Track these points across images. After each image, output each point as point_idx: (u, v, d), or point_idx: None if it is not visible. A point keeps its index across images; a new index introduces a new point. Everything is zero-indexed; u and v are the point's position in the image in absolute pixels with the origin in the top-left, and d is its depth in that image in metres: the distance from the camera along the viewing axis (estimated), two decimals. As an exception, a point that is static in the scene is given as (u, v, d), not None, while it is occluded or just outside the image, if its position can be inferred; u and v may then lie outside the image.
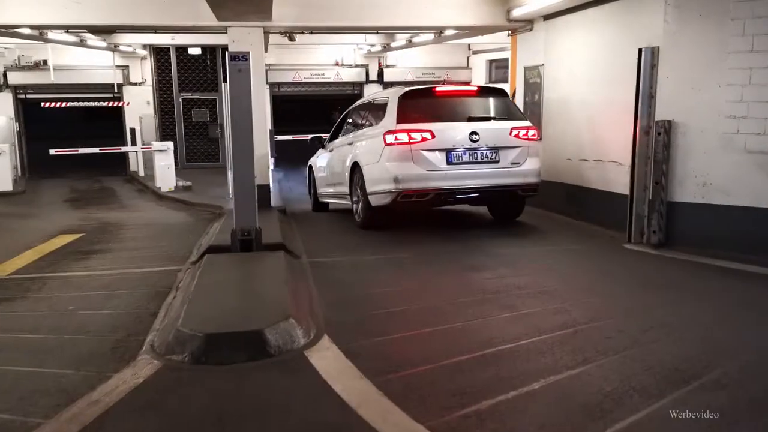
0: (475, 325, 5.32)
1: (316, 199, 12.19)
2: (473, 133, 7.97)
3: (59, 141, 18.67)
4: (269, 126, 20.61)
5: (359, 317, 5.58)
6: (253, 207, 7.94)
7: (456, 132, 8.07)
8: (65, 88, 18.87)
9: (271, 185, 14.37)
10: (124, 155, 19.85)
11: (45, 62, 18.73)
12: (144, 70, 19.96)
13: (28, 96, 19.09)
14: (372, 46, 19.49)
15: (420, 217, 11.02)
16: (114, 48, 17.25)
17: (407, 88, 8.78)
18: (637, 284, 6.72)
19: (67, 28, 11.60)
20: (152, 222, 12.06)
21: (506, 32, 12.86)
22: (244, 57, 7.83)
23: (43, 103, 17.60)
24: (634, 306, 5.89)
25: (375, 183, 8.45)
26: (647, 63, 8.41)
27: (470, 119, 8.25)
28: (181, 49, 20.14)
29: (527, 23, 11.76)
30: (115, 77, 18.78)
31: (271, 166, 19.63)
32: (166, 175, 16.77)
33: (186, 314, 5.15)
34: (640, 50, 8.36)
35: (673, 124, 8.10)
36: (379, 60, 21.50)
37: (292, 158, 19.83)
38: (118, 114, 19.86)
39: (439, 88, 8.68)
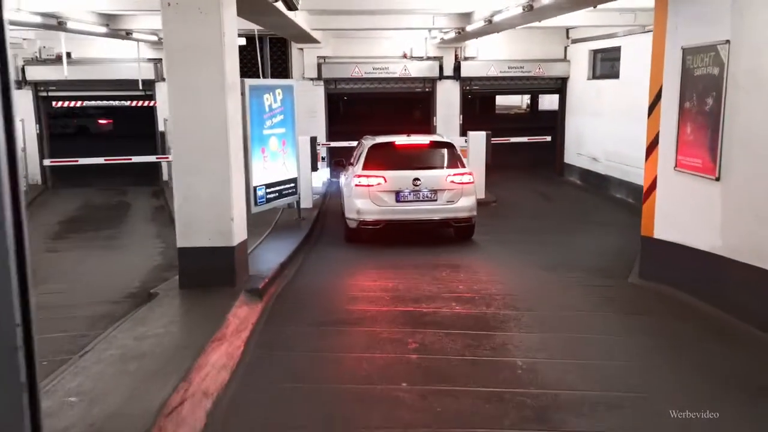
0: None
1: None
2: (416, 179, 8.70)
3: (92, 144, 14.12)
4: (320, 132, 15.31)
5: None
6: None
7: (403, 178, 8.74)
8: (88, 85, 14.24)
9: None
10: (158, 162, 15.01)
11: (69, 55, 14.13)
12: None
13: (50, 93, 14.57)
14: (445, 33, 13.64)
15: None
16: (126, 35, 12.31)
17: (377, 141, 9.47)
18: None
19: None
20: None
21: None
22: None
23: (54, 103, 12.96)
24: None
25: (348, 211, 9.13)
26: None
27: (416, 168, 8.85)
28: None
29: (696, -32, 5.68)
30: (140, 72, 13.88)
31: (325, 179, 14.42)
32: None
33: None
34: None
35: None
36: (456, 51, 15.59)
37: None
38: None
39: (398, 142, 9.35)
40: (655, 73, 6.56)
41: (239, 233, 6.07)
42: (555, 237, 9.76)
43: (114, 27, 11.69)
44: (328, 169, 14.73)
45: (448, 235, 9.78)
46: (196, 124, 5.70)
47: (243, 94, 9.75)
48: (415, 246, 9.26)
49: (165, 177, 14.86)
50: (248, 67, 15.22)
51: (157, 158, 12.78)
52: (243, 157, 6.31)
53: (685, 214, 6.03)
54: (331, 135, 15.75)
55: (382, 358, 4.60)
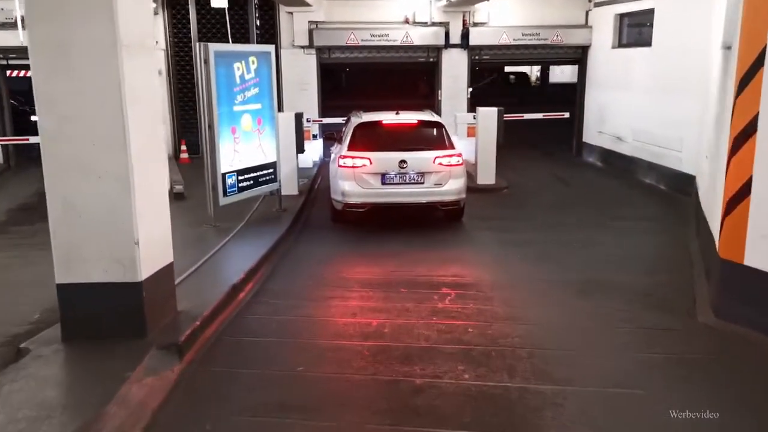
0: None
1: None
2: (402, 161, 8.02)
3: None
4: (312, 107, 13.12)
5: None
6: None
7: (389, 160, 8.10)
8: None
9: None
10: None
11: (30, 19, 11.92)
12: (155, 30, 12.80)
13: (10, 62, 12.40)
14: (452, -8, 11.34)
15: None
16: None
17: (363, 120, 8.61)
18: None
19: None
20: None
21: None
22: None
23: (9, 72, 10.85)
24: None
25: (333, 193, 8.50)
26: None
27: (403, 149, 8.15)
28: (203, 2, 12.81)
29: None
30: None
31: (317, 158, 12.38)
32: (148, 176, 9.65)
33: None
34: None
35: None
36: (464, 16, 13.24)
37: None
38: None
39: (385, 121, 8.60)
40: (750, 30, 4.34)
41: (153, 260, 3.99)
42: (581, 236, 7.66)
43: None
44: (321, 148, 12.61)
45: (449, 230, 8.13)
46: (74, 101, 3.59)
47: (207, 62, 7.64)
48: (411, 246, 7.25)
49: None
50: (241, 33, 13.02)
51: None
52: (161, 148, 4.18)
53: (806, 238, 3.92)
54: (326, 110, 13.57)
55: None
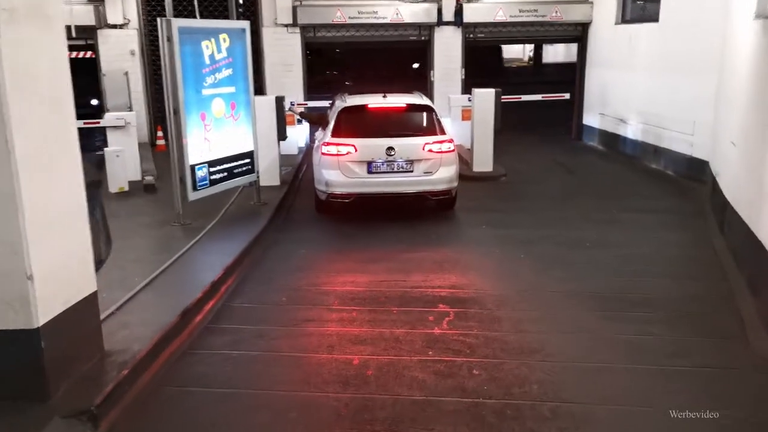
0: None
1: None
2: (390, 148, 7.31)
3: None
4: (297, 90, 11.96)
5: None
6: None
7: (375, 147, 7.39)
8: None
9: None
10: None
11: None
12: (127, 7, 11.50)
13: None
14: (445, -36, 10.12)
15: None
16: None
17: (347, 104, 7.76)
18: None
19: None
20: None
21: None
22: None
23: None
24: None
25: (317, 182, 7.75)
26: None
27: (390, 135, 7.43)
28: (177, -23, 11.54)
29: None
30: (72, 17, 10.36)
31: (303, 144, 11.32)
32: (116, 167, 8.59)
33: None
34: None
35: None
36: (457, -9, 12.02)
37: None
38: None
39: (371, 105, 7.81)
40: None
41: (59, 297, 2.92)
42: (593, 234, 6.61)
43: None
44: (308, 134, 11.53)
45: (443, 224, 7.30)
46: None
47: (170, 39, 6.52)
48: (402, 245, 6.25)
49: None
50: (219, 11, 11.75)
51: (85, 123, 9.40)
52: (72, 149, 3.09)
53: None
54: (312, 92, 12.41)
55: None
